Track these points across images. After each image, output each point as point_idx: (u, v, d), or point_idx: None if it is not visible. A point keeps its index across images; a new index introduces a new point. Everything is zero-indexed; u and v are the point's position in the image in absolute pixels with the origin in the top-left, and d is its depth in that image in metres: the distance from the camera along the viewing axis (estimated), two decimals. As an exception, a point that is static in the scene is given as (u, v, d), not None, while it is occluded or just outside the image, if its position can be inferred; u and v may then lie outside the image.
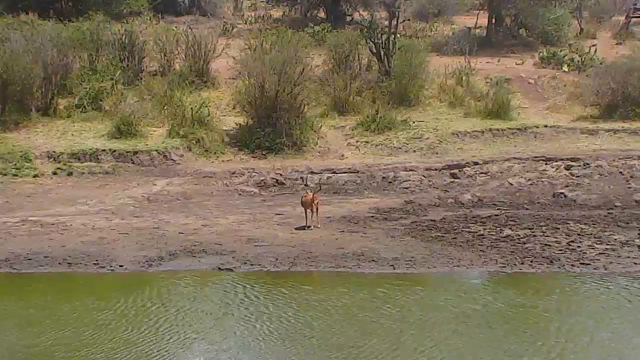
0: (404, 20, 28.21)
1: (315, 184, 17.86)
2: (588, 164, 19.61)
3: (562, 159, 20.03)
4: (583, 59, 27.65)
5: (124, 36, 24.95)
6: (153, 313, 11.49)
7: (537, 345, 10.33)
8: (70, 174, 19.22)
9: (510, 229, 15.16)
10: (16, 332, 10.88)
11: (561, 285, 12.65)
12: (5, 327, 11.10)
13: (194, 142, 21.06)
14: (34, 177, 18.96)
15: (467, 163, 20.06)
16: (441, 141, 21.74)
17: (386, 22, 26.68)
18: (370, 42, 25.04)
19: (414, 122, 22.77)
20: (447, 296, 12.17)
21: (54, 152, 19.98)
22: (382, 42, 24.92)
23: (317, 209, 15.33)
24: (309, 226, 15.24)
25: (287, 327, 10.98)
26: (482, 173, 19.58)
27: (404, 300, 11.93)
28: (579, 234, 14.72)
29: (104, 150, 20.15)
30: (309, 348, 10.31)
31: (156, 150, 20.38)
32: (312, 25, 30.55)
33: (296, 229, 15.24)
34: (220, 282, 12.77)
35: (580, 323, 11.23)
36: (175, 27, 28.65)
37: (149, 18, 30.87)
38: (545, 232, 14.88)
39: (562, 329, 10.92)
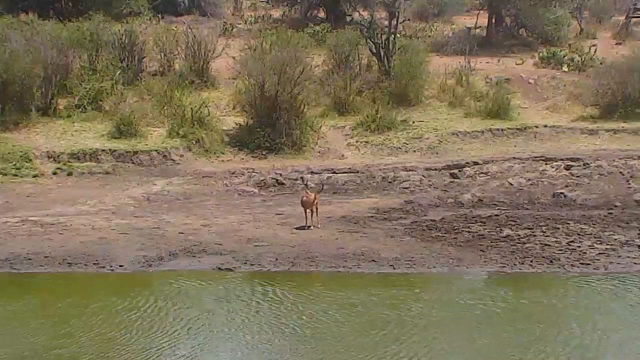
0: (404, 20, 28.14)
1: (316, 184, 17.84)
2: (588, 164, 19.58)
3: (562, 159, 20.00)
4: (583, 59, 27.60)
5: (124, 36, 24.90)
6: (156, 313, 11.49)
7: (558, 342, 10.36)
8: (70, 174, 19.22)
9: (510, 229, 15.15)
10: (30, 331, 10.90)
11: (569, 285, 12.62)
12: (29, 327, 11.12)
13: (193, 142, 21.04)
14: (34, 177, 18.95)
15: (467, 163, 20.03)
16: (441, 141, 21.72)
17: (386, 22, 26.66)
18: (370, 42, 25.01)
19: (413, 122, 22.74)
20: (463, 296, 12.17)
21: (54, 152, 19.96)
22: (382, 42, 24.88)
23: (317, 209, 15.34)
24: (309, 226, 15.24)
25: (298, 326, 10.97)
26: (482, 173, 19.57)
27: (422, 300, 11.97)
28: (579, 234, 14.72)
29: (103, 150, 20.13)
30: (334, 349, 10.22)
31: (156, 150, 20.36)
32: (312, 25, 30.51)
33: (296, 229, 15.23)
34: (221, 282, 12.76)
35: (602, 322, 11.22)
36: (175, 27, 28.58)
37: (149, 18, 30.78)
38: (545, 232, 14.87)
39: (581, 327, 10.91)
